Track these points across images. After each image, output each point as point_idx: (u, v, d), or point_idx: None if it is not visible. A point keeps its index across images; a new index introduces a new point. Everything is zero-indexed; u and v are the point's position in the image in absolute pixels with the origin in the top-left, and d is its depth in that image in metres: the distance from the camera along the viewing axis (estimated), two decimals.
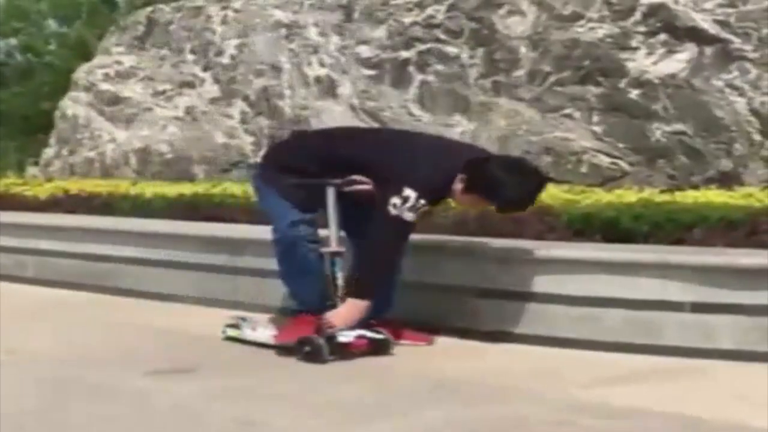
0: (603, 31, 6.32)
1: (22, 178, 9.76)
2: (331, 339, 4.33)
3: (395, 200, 4.36)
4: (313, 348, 4.32)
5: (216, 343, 4.83)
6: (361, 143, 4.81)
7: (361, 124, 7.25)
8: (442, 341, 4.78)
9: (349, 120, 7.37)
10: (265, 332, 4.71)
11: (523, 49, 6.64)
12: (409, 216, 4.38)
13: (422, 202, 4.39)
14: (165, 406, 3.66)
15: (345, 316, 4.41)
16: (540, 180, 4.63)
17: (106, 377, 4.08)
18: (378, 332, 4.46)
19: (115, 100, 9.10)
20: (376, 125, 7.18)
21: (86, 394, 3.82)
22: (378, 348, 4.44)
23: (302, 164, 4.68)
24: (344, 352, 4.35)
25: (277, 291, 5.48)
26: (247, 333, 4.75)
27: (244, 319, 4.88)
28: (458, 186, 4.49)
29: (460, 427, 3.40)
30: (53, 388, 3.92)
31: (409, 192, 4.36)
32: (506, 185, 4.41)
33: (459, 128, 6.82)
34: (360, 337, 4.40)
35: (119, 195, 7.47)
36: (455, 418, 3.51)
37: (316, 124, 7.60)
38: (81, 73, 9.68)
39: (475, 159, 4.56)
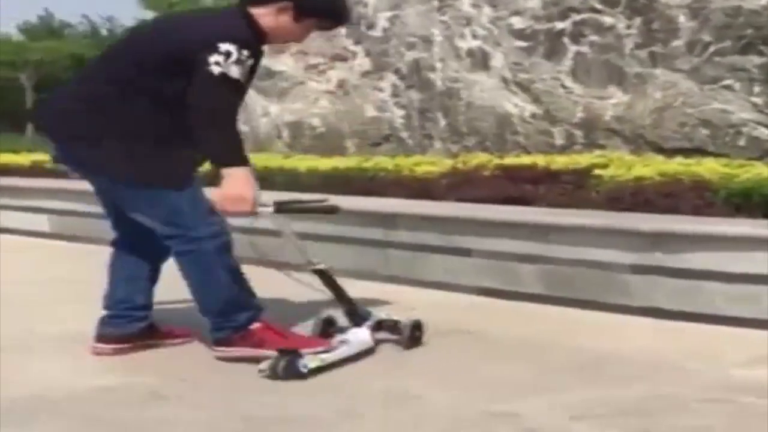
0: None
1: None
2: None
3: (216, 58, 3.80)
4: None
5: None
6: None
7: (511, 96, 7.22)
8: (595, 317, 4.73)
9: (501, 92, 7.33)
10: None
11: (682, 18, 6.47)
12: (236, 71, 3.84)
13: (245, 53, 3.86)
14: (324, 378, 3.72)
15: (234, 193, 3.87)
16: None
17: None
18: None
19: (268, 73, 9.23)
20: (526, 96, 7.14)
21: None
22: None
23: None
24: None
25: (429, 265, 5.51)
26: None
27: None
28: (285, 18, 4.09)
29: (615, 406, 3.36)
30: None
31: (228, 46, 3.84)
32: None
33: (613, 100, 6.70)
34: None
35: (275, 169, 7.57)
36: (609, 396, 3.47)
37: (467, 97, 7.58)
38: None
39: None
